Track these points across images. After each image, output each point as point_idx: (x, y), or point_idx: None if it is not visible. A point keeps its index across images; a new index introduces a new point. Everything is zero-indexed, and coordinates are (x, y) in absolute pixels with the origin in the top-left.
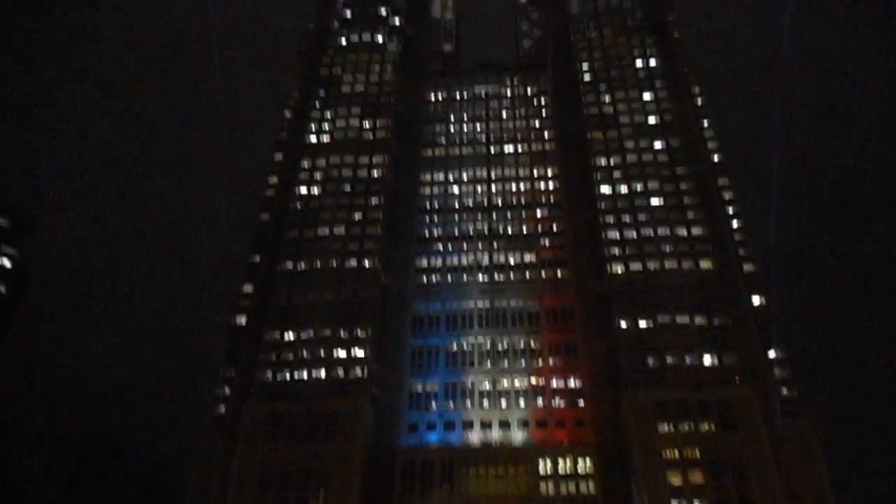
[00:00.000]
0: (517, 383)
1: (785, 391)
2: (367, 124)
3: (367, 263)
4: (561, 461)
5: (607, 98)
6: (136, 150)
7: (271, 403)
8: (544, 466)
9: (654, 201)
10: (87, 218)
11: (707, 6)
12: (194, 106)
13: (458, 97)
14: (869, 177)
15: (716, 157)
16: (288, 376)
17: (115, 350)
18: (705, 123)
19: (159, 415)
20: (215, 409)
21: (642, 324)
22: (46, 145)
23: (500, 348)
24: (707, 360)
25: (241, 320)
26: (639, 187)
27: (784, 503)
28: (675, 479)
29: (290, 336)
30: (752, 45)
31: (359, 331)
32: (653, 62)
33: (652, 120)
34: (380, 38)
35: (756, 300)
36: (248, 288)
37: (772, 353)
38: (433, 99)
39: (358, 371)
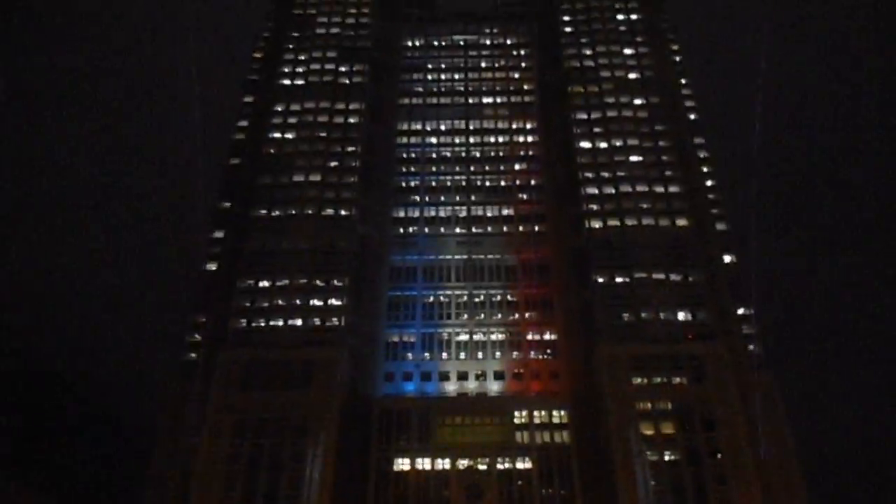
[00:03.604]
0: (493, 335)
1: (752, 347)
2: (342, 68)
3: (343, 212)
4: (536, 411)
5: (588, 52)
6: (96, 91)
7: (246, 350)
8: (519, 416)
9: (633, 158)
10: (49, 157)
11: None
12: (156, 41)
13: (436, 45)
14: (846, 143)
15: (693, 116)
16: (263, 324)
17: (79, 292)
18: (683, 81)
19: (126, 359)
20: (185, 356)
21: (618, 279)
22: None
23: (476, 300)
24: (681, 315)
25: (212, 266)
26: (618, 143)
27: (749, 454)
28: (648, 430)
29: (264, 283)
30: (733, 5)
31: (336, 280)
32: (634, 17)
33: (633, 75)
34: None
35: (727, 258)
36: (218, 234)
37: (740, 311)
38: (411, 45)
39: (335, 320)
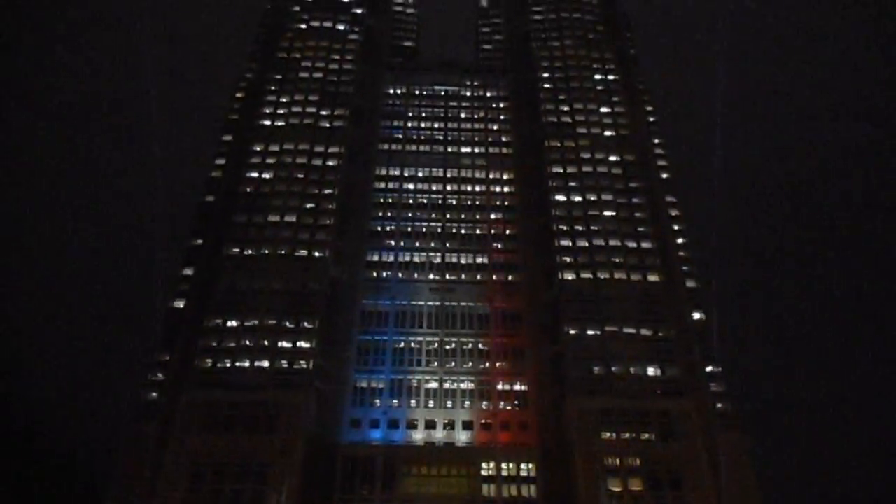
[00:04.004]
0: (463, 384)
1: (720, 405)
2: (324, 112)
3: (317, 253)
4: (504, 463)
5: (565, 108)
6: (68, 113)
7: (210, 391)
8: (487, 468)
9: (607, 212)
10: (14, 187)
11: (661, 28)
12: (135, 76)
13: (417, 93)
14: (812, 200)
15: (664, 175)
16: (228, 364)
17: (34, 327)
18: (656, 141)
19: (83, 399)
20: (147, 396)
21: (589, 332)
22: None
23: (448, 348)
24: (650, 371)
25: (180, 304)
26: (593, 198)
27: None
28: (615, 486)
29: (232, 323)
30: (699, 68)
31: (306, 322)
32: (611, 77)
33: (608, 133)
34: (341, 26)
35: (696, 315)
36: (188, 271)
37: (709, 368)
38: (392, 93)
39: (303, 363)
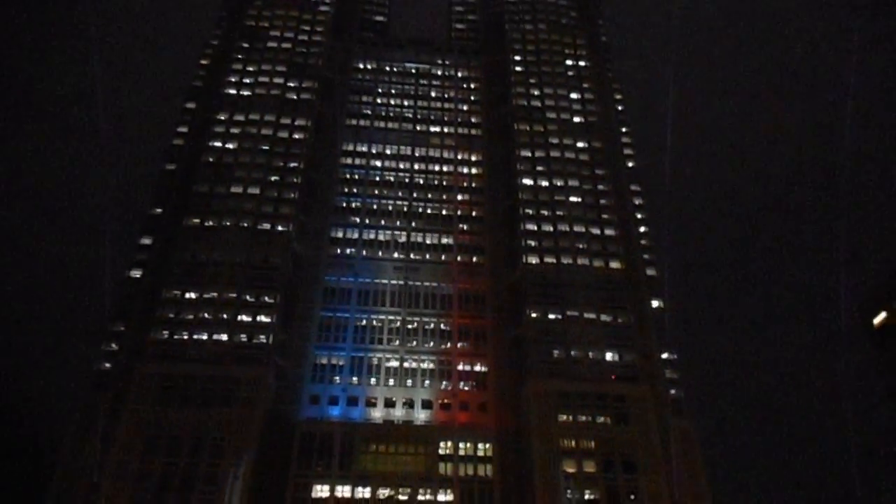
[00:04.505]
0: (424, 363)
1: (673, 391)
2: (291, 84)
3: (280, 227)
4: (461, 443)
5: (536, 92)
6: (23, 76)
7: (166, 364)
8: (444, 447)
9: (573, 198)
10: None
11: (633, 17)
12: (96, 37)
13: (387, 70)
14: (778, 199)
15: (630, 164)
16: (186, 337)
17: None
18: (623, 129)
19: (33, 369)
20: (100, 366)
21: (551, 316)
22: None
23: (409, 327)
24: (609, 356)
25: (136, 274)
26: (559, 183)
27: (668, 497)
28: (570, 468)
29: (191, 295)
30: (669, 57)
31: (266, 296)
32: (582, 63)
33: (577, 119)
34: None
35: (655, 303)
36: (145, 240)
37: (665, 355)
38: (362, 67)
39: (262, 338)
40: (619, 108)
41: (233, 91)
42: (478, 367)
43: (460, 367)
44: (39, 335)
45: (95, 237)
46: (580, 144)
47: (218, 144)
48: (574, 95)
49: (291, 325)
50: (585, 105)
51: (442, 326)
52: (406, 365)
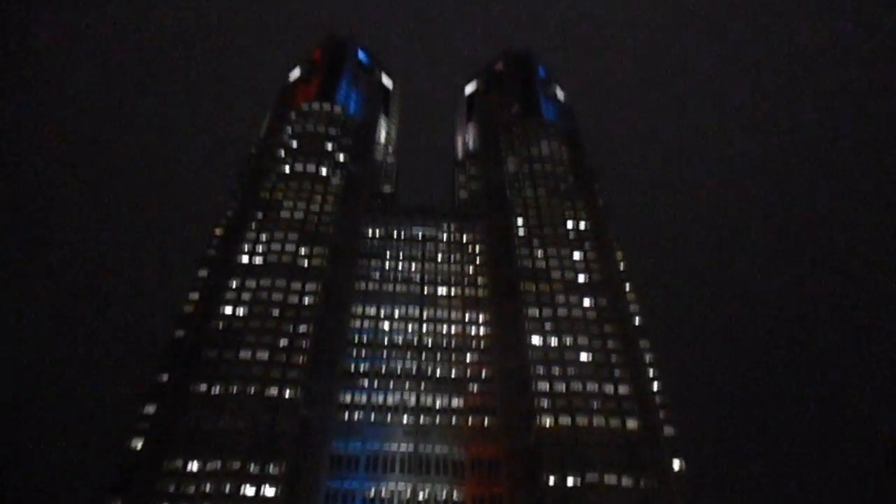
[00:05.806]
0: None
1: None
2: (302, 251)
3: (287, 393)
4: None
5: (540, 253)
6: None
7: None
8: None
9: (583, 356)
10: None
11: (629, 180)
12: (116, 213)
13: (395, 236)
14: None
15: (637, 320)
16: None
17: None
18: (627, 287)
19: None
20: None
21: (570, 481)
22: None
23: (421, 497)
24: None
25: (138, 444)
26: (568, 341)
27: None
28: None
29: (193, 467)
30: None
31: (272, 466)
32: (582, 225)
33: (581, 278)
34: (324, 171)
35: (677, 465)
36: (149, 409)
37: None
38: (371, 235)
39: None
40: (622, 266)
41: (245, 259)
42: None
43: None
44: None
45: (99, 407)
46: (586, 302)
47: (229, 310)
48: (577, 255)
49: (297, 497)
50: (588, 264)
51: (455, 496)
52: None
